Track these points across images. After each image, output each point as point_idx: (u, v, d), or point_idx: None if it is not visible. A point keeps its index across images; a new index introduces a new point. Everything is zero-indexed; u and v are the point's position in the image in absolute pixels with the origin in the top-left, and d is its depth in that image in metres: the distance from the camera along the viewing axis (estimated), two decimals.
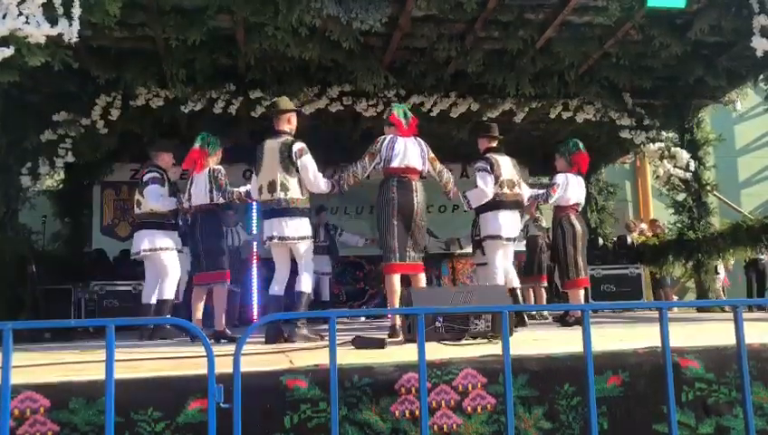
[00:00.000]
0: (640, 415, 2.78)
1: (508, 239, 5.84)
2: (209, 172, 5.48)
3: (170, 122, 8.24)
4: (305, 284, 4.93)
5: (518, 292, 6.06)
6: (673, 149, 8.56)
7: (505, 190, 5.78)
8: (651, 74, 7.79)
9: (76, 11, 4.83)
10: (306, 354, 3.50)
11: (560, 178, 6.25)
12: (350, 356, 3.18)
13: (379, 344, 3.79)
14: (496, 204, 5.76)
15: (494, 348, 3.14)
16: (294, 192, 4.90)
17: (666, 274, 9.69)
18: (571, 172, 6.31)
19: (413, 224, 4.88)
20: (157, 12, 5.97)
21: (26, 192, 7.39)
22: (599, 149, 10.27)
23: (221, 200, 5.48)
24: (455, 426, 2.64)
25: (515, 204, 5.91)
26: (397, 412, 2.61)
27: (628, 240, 10.54)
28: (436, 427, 2.62)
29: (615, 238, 10.90)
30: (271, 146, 4.98)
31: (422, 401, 2.31)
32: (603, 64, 7.55)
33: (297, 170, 4.91)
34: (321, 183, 5.02)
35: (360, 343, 3.84)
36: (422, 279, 5.02)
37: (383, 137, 5.12)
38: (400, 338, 4.43)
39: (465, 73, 7.45)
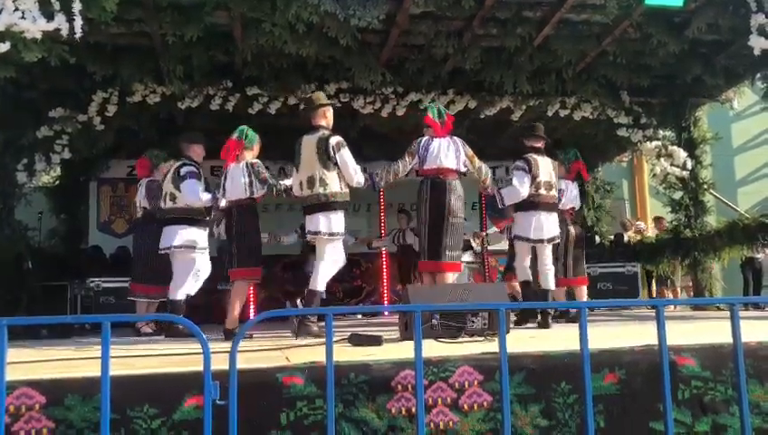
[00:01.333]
0: (637, 413, 2.79)
1: (541, 241, 5.79)
2: (247, 166, 5.37)
3: (167, 119, 8.23)
4: (320, 282, 4.91)
5: (550, 295, 5.88)
6: (670, 147, 8.57)
7: (542, 191, 5.75)
8: (649, 73, 7.79)
9: (77, 6, 4.81)
10: (303, 352, 3.49)
11: (562, 184, 6.39)
12: (346, 353, 3.18)
13: (376, 342, 3.79)
14: (531, 205, 5.75)
15: (491, 346, 3.15)
16: (334, 186, 4.91)
17: (671, 271, 9.71)
18: (568, 179, 6.55)
19: (445, 223, 5.02)
20: (153, 8, 5.95)
21: (22, 188, 7.36)
22: (596, 147, 10.28)
23: (260, 193, 5.40)
24: (451, 423, 2.64)
25: (550, 206, 5.85)
26: (393, 409, 2.61)
27: (625, 238, 10.55)
28: (432, 424, 2.62)
29: (612, 237, 10.89)
30: (309, 141, 5.00)
31: (418, 398, 2.31)
32: (601, 62, 7.55)
33: (335, 164, 4.91)
34: (360, 177, 5.03)
35: (356, 340, 3.84)
36: (447, 278, 5.09)
37: (420, 138, 5.24)
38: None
39: (462, 71, 7.44)
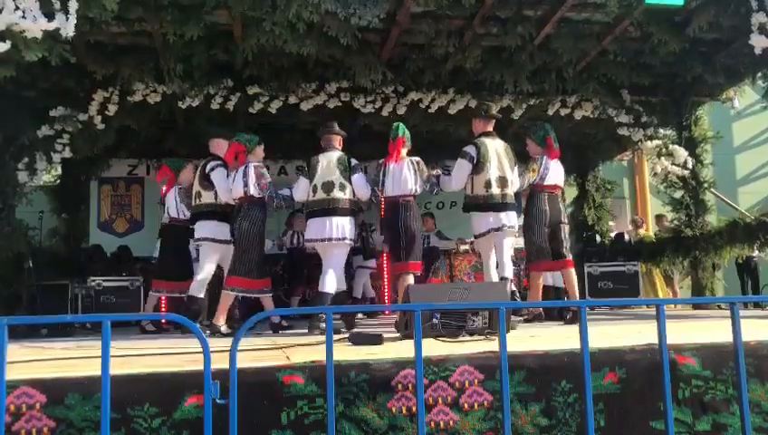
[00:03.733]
0: (637, 412, 2.78)
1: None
2: (413, 163, 5.51)
3: (168, 118, 8.23)
4: (509, 271, 5.65)
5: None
6: (671, 146, 8.56)
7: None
8: (649, 71, 7.78)
9: (73, 5, 4.80)
10: (303, 351, 3.49)
11: None
12: (347, 352, 3.18)
13: (376, 341, 3.79)
14: None
15: (491, 345, 3.14)
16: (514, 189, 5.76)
17: (671, 270, 9.72)
18: None
19: (560, 229, 5.95)
20: (154, 7, 5.94)
21: (23, 188, 7.35)
22: (596, 146, 10.28)
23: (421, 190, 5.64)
24: (451, 423, 2.64)
25: None
26: (393, 409, 2.61)
27: (626, 237, 10.54)
28: (432, 423, 2.62)
29: (612, 235, 10.90)
30: (496, 145, 5.70)
31: (419, 397, 2.31)
32: (601, 61, 7.54)
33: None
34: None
35: (357, 339, 3.84)
36: (573, 272, 5.96)
37: (539, 157, 6.03)
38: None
39: (463, 70, 7.43)
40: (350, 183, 5.48)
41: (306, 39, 6.27)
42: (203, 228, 5.93)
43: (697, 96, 8.69)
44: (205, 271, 5.88)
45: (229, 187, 5.72)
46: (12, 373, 2.27)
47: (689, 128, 8.80)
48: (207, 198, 5.95)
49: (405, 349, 3.07)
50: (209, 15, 6.07)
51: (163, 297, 6.82)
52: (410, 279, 5.38)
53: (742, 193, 13.18)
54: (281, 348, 3.74)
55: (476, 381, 2.70)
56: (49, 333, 6.19)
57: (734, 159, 13.36)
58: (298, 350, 3.57)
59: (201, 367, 2.22)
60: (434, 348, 3.14)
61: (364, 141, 8.95)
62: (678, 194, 8.87)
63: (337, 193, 5.43)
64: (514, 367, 2.68)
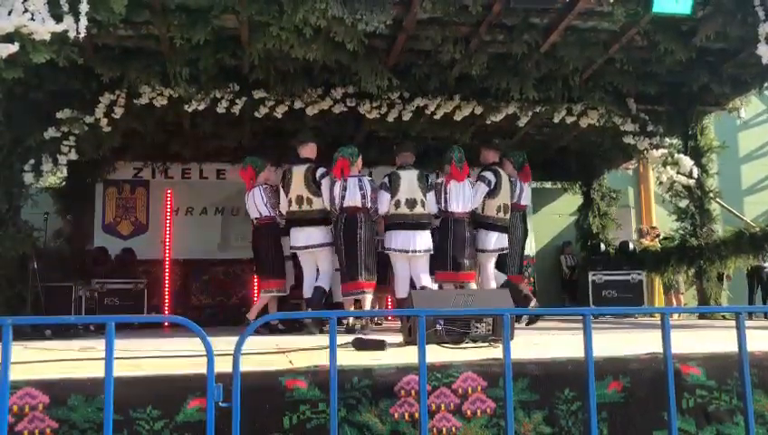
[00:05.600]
0: (641, 421, 2.77)
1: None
2: (471, 183, 6.41)
3: (174, 121, 8.25)
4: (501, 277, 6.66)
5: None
6: (676, 155, 8.53)
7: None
8: (656, 80, 7.78)
9: (84, 7, 4.83)
10: (306, 355, 3.49)
11: None
12: (350, 357, 3.17)
13: (380, 346, 3.78)
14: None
15: (495, 352, 3.14)
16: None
17: (675, 279, 9.70)
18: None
19: (524, 245, 7.21)
20: (162, 10, 5.96)
21: (29, 189, 7.37)
22: (602, 155, 10.28)
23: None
24: (454, 429, 2.63)
25: None
26: (396, 414, 2.61)
27: (631, 246, 10.52)
28: (435, 430, 2.61)
29: (617, 244, 10.88)
30: (505, 177, 6.56)
31: (422, 403, 2.30)
32: (608, 70, 7.54)
33: None
34: None
35: (360, 344, 3.84)
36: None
37: (516, 180, 6.90)
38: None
39: (469, 76, 7.43)
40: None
41: (312, 44, 6.27)
42: (318, 234, 6.23)
43: (703, 106, 8.68)
44: (330, 273, 6.29)
45: (330, 195, 6.11)
46: (15, 374, 2.27)
47: (695, 137, 8.79)
48: (318, 204, 6.20)
49: (408, 355, 3.07)
50: (216, 20, 6.08)
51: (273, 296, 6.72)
52: (473, 286, 6.26)
53: (747, 203, 13.15)
54: (284, 352, 3.74)
55: (479, 387, 2.69)
56: (53, 334, 6.20)
57: (739, 169, 13.32)
58: (301, 354, 3.57)
59: (204, 370, 2.22)
60: (437, 354, 3.13)
61: (369, 147, 8.98)
62: (684, 203, 8.86)
63: (419, 209, 6.09)
64: (518, 374, 2.67)
